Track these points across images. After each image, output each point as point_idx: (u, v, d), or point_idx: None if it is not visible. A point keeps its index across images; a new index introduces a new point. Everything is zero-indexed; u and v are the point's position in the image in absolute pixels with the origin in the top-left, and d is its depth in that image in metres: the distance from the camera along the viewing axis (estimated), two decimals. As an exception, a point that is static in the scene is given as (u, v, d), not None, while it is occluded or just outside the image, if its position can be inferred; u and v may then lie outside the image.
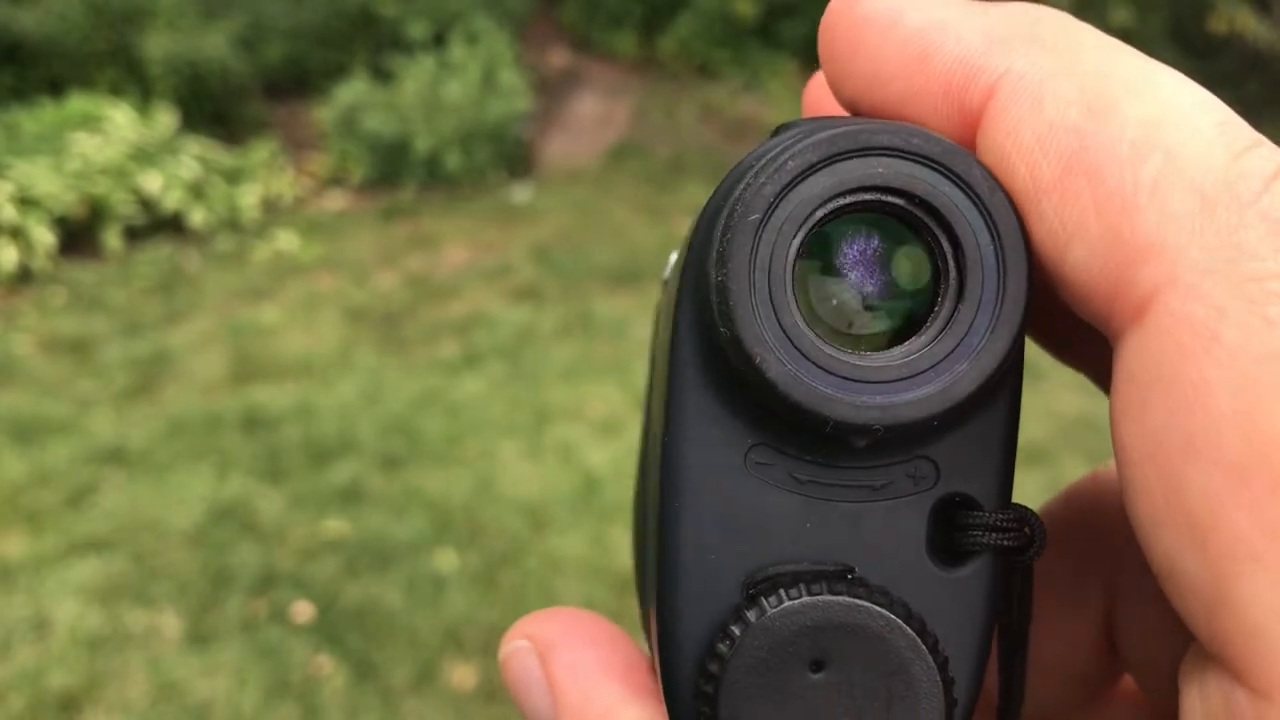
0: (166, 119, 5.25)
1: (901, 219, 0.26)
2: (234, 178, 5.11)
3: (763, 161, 0.26)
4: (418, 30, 6.04)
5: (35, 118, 5.11)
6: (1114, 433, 0.25)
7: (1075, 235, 0.25)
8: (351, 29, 6.18)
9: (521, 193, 5.52)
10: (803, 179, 0.25)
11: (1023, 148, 0.26)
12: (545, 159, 6.03)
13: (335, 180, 5.49)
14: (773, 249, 0.25)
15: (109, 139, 4.95)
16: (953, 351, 0.25)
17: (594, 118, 6.84)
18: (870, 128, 0.26)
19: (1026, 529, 0.27)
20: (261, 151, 5.37)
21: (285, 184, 5.31)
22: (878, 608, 0.26)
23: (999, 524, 0.27)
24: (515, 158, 5.71)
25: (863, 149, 0.25)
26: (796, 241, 0.25)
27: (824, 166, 0.25)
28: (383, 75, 5.91)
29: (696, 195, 5.60)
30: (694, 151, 6.33)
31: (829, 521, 0.26)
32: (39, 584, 2.76)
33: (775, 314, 0.25)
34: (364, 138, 5.38)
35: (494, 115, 5.52)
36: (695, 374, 0.26)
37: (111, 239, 4.72)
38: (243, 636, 2.59)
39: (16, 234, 4.46)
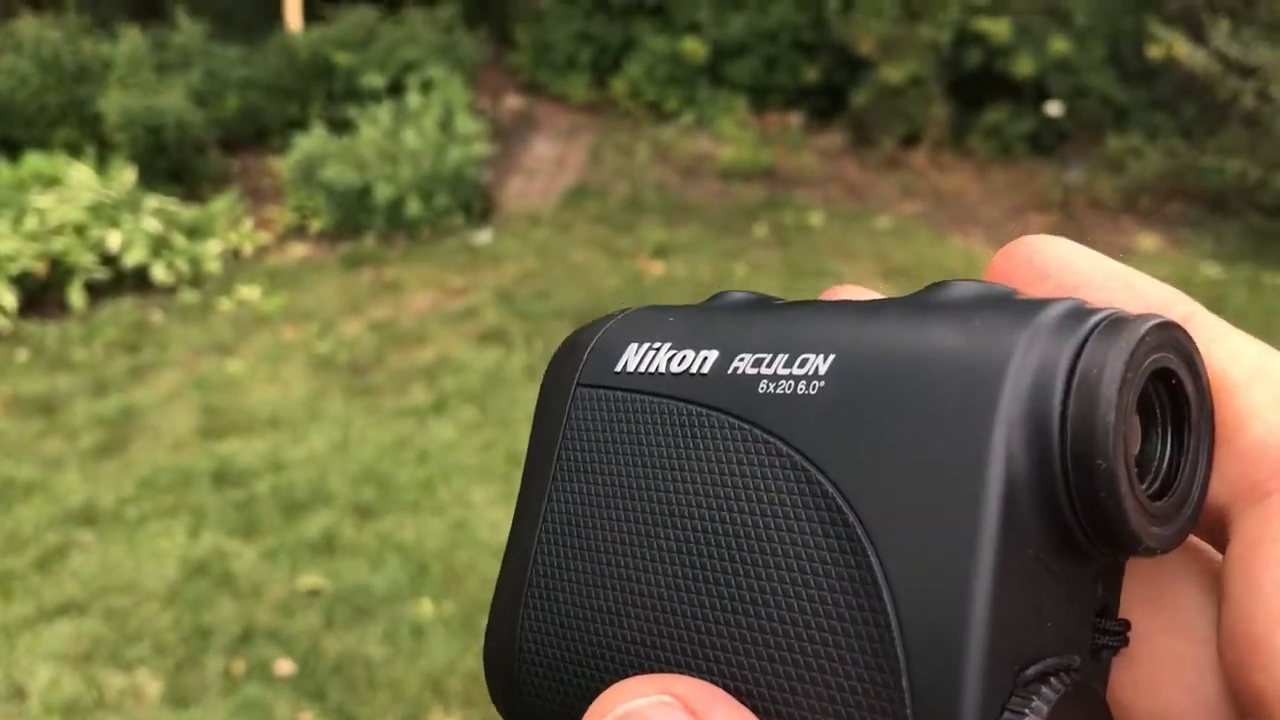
0: (125, 175, 5.25)
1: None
2: (195, 232, 5.11)
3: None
4: (373, 80, 6.09)
5: (-9, 178, 5.09)
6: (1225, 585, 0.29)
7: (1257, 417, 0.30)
8: (307, 80, 6.22)
9: (482, 236, 5.56)
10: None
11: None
12: (504, 202, 6.08)
13: (296, 230, 5.51)
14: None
15: (68, 197, 4.95)
16: (1184, 503, 0.29)
17: (550, 160, 6.90)
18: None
19: (1127, 634, 0.31)
20: (221, 204, 5.38)
21: (246, 236, 5.32)
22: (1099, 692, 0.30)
23: (1118, 629, 0.31)
24: (474, 202, 5.76)
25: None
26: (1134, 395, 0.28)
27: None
28: (340, 125, 5.94)
29: (654, 234, 5.68)
30: (650, 190, 6.41)
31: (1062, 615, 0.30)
32: (10, 652, 2.74)
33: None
34: (323, 187, 5.40)
35: (452, 161, 5.57)
36: (1006, 485, 0.27)
37: (74, 296, 4.71)
38: (224, 694, 2.59)
39: (-24, 295, 4.44)
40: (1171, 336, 0.29)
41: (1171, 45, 6.04)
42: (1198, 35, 6.19)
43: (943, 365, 0.29)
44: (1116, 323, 0.28)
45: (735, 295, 0.36)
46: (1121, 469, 0.27)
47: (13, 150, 5.45)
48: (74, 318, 4.68)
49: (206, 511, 3.34)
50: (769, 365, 0.32)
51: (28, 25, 5.68)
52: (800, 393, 0.31)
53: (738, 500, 0.31)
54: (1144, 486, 0.29)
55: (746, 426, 0.31)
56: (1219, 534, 0.30)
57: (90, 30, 5.91)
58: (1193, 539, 0.31)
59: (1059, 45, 6.83)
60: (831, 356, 0.30)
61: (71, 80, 5.53)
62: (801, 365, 0.31)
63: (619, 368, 0.35)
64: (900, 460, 0.28)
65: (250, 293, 4.88)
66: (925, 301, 0.31)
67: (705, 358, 0.33)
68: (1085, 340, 0.28)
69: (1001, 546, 0.27)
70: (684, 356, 0.34)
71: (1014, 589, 0.27)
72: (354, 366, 4.32)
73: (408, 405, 4.00)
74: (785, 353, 0.31)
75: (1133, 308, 0.30)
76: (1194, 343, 0.29)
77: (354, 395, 4.09)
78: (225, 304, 4.80)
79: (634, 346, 0.35)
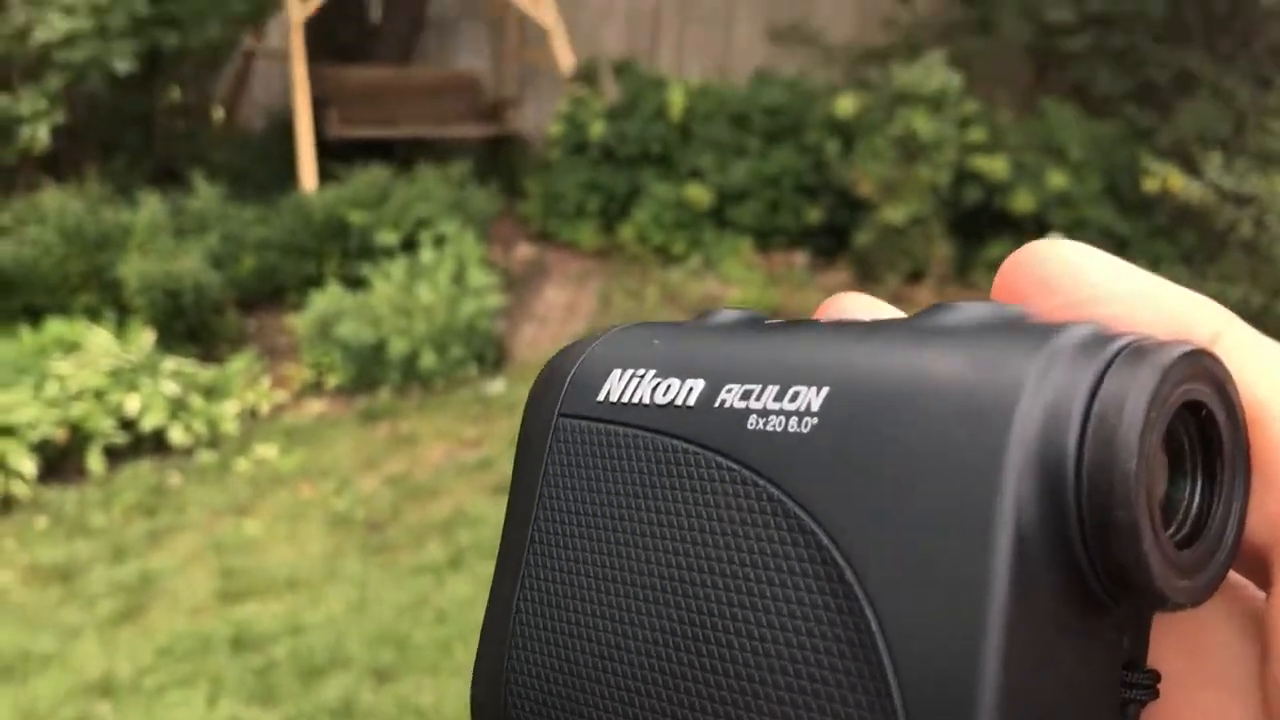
0: (144, 339, 5.34)
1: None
2: (212, 392, 5.18)
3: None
4: (387, 237, 6.23)
5: (12, 346, 5.19)
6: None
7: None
8: (322, 239, 6.37)
9: (495, 386, 5.62)
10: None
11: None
12: (516, 350, 6.16)
13: (313, 387, 5.57)
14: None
15: (87, 362, 5.03)
16: (1217, 548, 0.27)
17: (561, 306, 7.01)
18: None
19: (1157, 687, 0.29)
20: (238, 364, 5.46)
21: (263, 394, 5.38)
22: None
23: (1147, 682, 0.28)
24: (488, 352, 5.83)
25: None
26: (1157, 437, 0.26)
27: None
28: (355, 282, 6.06)
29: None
30: (661, 334, 6.48)
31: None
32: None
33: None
34: (339, 343, 5.48)
35: (466, 314, 5.66)
36: (1019, 540, 0.25)
37: (93, 461, 4.74)
38: None
39: (-4, 463, 4.48)
40: (1201, 365, 0.26)
41: (1166, 179, 6.17)
42: (1191, 167, 6.32)
43: (944, 403, 0.26)
44: (1138, 352, 0.26)
45: (726, 314, 0.34)
46: (1145, 520, 0.25)
47: (35, 317, 5.56)
48: (92, 483, 4.71)
49: (224, 679, 3.30)
50: (758, 398, 0.30)
51: (52, 197, 5.86)
52: (791, 430, 0.28)
53: (727, 549, 0.29)
54: (1171, 532, 0.27)
55: (735, 467, 0.29)
56: (1261, 573, 0.28)
57: (111, 198, 6.09)
58: (1232, 574, 0.29)
59: (1057, 180, 6.99)
60: (825, 390, 0.28)
61: (93, 248, 5.68)
62: (793, 399, 0.29)
63: (601, 396, 0.33)
64: (900, 510, 0.26)
65: (268, 451, 4.91)
66: (926, 326, 0.29)
67: (691, 388, 0.31)
68: (1103, 374, 0.25)
69: (1013, 608, 0.25)
70: (669, 385, 0.31)
71: (1028, 653, 0.25)
72: (371, 523, 4.32)
73: (425, 562, 3.98)
74: (776, 384, 0.29)
75: (1155, 325, 0.28)
76: (1225, 369, 0.27)
77: (371, 553, 4.08)
78: (243, 464, 4.82)
79: (617, 374, 0.33)
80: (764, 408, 0.29)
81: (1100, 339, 0.26)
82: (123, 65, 6.01)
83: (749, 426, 0.29)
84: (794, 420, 0.28)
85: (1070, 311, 0.29)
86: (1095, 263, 0.29)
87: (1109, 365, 0.25)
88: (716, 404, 0.30)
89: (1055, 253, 0.30)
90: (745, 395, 0.30)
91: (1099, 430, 0.25)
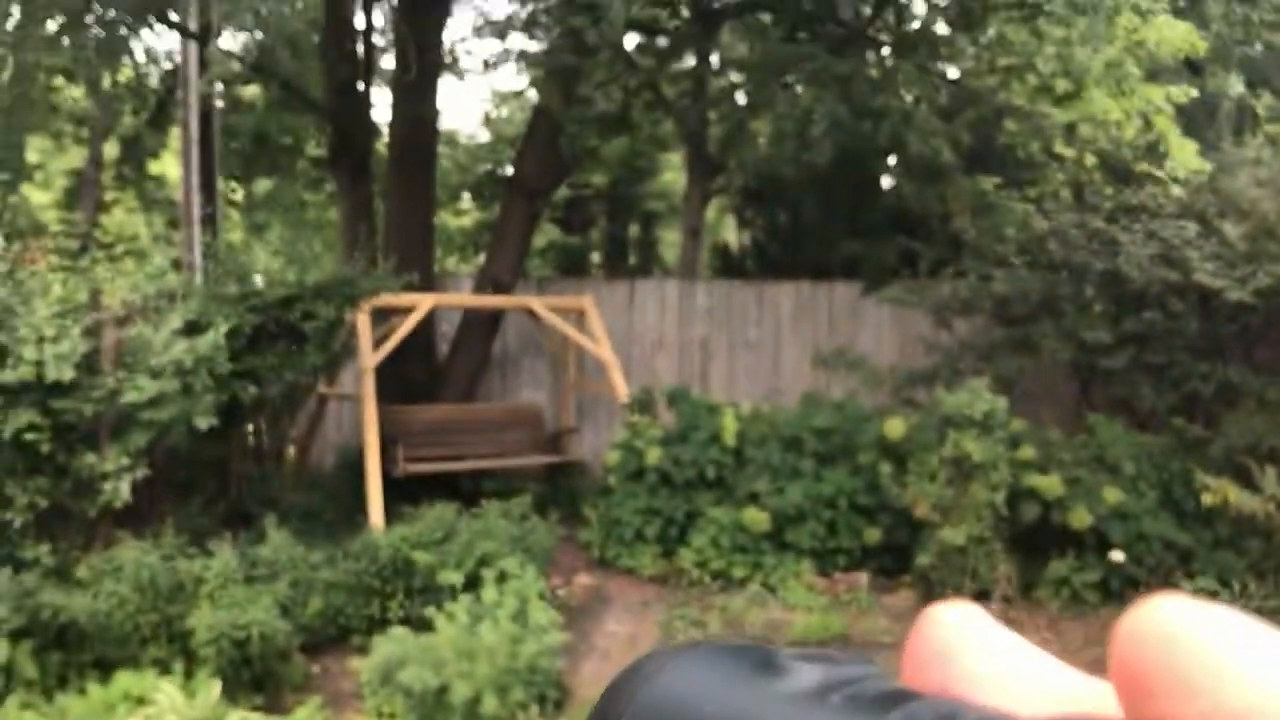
0: (211, 691, 5.38)
1: None
2: (276, 746, 5.15)
3: None
4: (451, 577, 6.34)
5: (82, 703, 5.24)
6: None
7: None
8: (387, 579, 6.49)
9: (557, 728, 5.53)
10: None
11: None
12: (577, 688, 6.09)
13: (374, 734, 5.52)
14: None
15: (153, 716, 5.05)
16: None
17: (623, 639, 6.98)
18: None
19: None
20: (302, 714, 5.45)
21: (325, 746, 5.34)
22: None
23: None
24: (549, 692, 5.78)
25: None
26: None
27: None
28: (418, 623, 6.12)
29: None
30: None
31: None
32: None
33: None
34: (402, 689, 5.48)
35: (527, 654, 5.66)
36: None
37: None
38: None
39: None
40: None
41: (1225, 493, 6.18)
42: (1246, 477, 6.34)
43: None
44: None
45: (789, 671, 0.29)
46: None
47: (105, 670, 5.64)
48: None
49: None
50: None
51: (128, 551, 6.07)
52: None
53: None
54: None
55: None
56: None
57: (184, 549, 6.29)
58: None
59: (1112, 495, 7.01)
60: None
61: (165, 599, 5.83)
62: None
63: None
64: None
65: (327, 809, 4.82)
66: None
67: None
68: None
69: None
70: None
71: None
72: None
73: None
74: None
75: (1024, 705, 0.27)
76: None
77: None
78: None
79: None
80: None
81: None
82: (204, 422, 6.37)
83: None
84: None
85: (941, 683, 0.28)
86: (976, 636, 0.29)
87: None
88: None
89: (940, 619, 0.30)
90: None
91: None
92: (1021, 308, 8.21)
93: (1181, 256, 7.38)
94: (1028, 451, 7.08)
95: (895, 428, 7.57)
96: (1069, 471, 7.15)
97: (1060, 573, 7.05)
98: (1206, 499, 6.35)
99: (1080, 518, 6.94)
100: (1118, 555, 6.94)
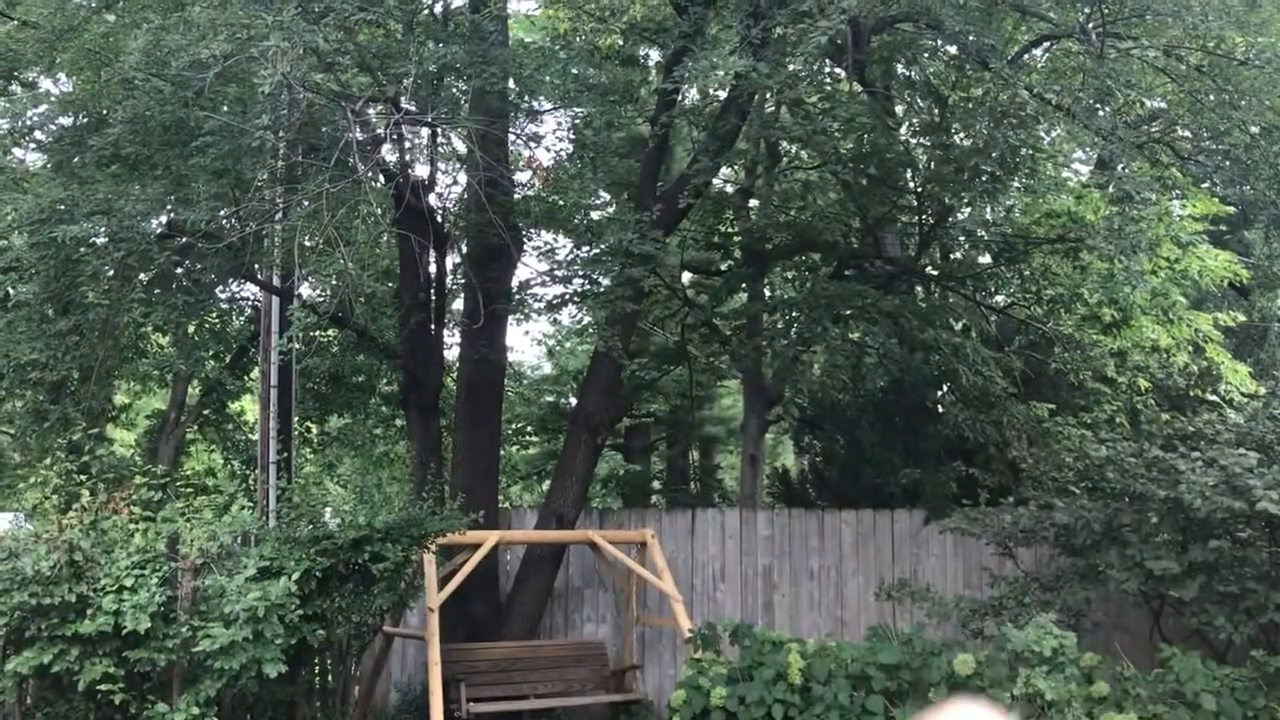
0: None
1: None
2: None
3: None
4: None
5: None
6: None
7: None
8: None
9: None
10: None
11: None
12: None
13: None
14: None
15: None
16: None
17: None
18: None
19: None
20: None
21: None
22: None
23: None
24: None
25: None
26: None
27: None
28: None
29: None
30: None
31: None
32: None
33: None
34: None
35: None
36: None
37: None
38: None
39: None
40: None
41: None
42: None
43: None
44: None
45: None
46: None
47: None
48: None
49: None
50: None
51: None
52: None
53: None
54: None
55: None
56: None
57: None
58: None
59: None
60: None
61: None
62: None
63: None
64: None
65: None
66: None
67: None
68: None
69: None
70: None
71: None
72: None
73: None
74: None
75: None
76: None
77: None
78: None
79: None
80: None
81: None
82: (273, 669, 6.47)
83: None
84: None
85: None
86: None
87: None
88: None
89: None
90: None
91: None
92: (1085, 537, 8.16)
93: (1245, 485, 7.35)
94: (1102, 688, 6.90)
95: (965, 664, 7.44)
96: (1146, 708, 6.94)
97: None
98: None
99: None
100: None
